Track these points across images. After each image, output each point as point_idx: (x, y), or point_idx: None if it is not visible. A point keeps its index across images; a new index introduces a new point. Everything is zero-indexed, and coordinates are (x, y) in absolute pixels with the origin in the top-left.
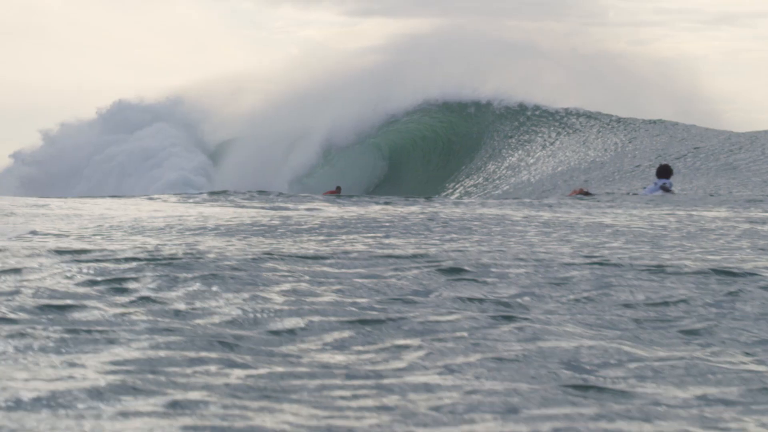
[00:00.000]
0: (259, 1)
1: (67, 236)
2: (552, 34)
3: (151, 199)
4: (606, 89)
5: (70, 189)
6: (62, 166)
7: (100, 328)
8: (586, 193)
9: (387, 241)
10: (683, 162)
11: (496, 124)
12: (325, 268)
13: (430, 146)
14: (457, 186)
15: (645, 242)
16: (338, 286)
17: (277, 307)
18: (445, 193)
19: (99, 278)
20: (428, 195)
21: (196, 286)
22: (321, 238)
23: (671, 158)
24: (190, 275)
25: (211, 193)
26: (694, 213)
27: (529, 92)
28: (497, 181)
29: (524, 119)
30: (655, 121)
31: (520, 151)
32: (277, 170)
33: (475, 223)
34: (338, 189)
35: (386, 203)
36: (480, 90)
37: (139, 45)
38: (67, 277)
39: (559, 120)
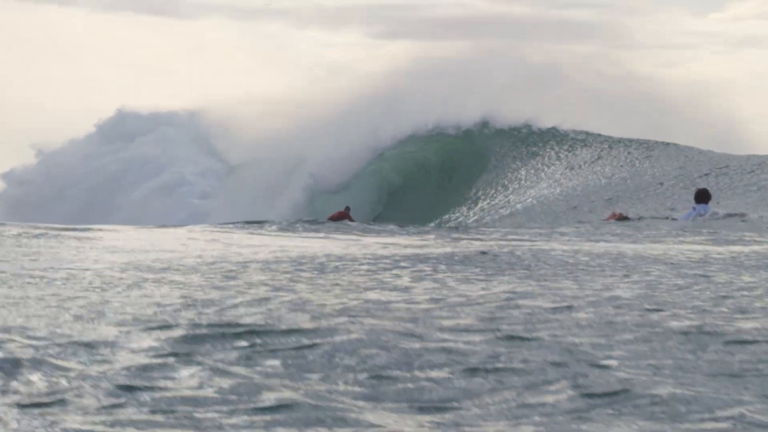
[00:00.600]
0: (285, 23)
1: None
2: (577, 56)
3: (190, 230)
4: (631, 112)
5: (60, 208)
6: (53, 185)
7: None
8: (623, 218)
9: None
10: (705, 181)
11: (517, 147)
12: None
13: (446, 169)
14: (477, 210)
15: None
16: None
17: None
18: (471, 218)
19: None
20: (458, 222)
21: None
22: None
23: (698, 178)
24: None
25: (248, 222)
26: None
27: (552, 115)
28: (520, 204)
29: (547, 142)
30: (677, 145)
31: (543, 174)
32: (286, 192)
33: (545, 262)
34: (347, 209)
35: (434, 235)
36: (501, 113)
37: (164, 67)
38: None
39: (582, 142)
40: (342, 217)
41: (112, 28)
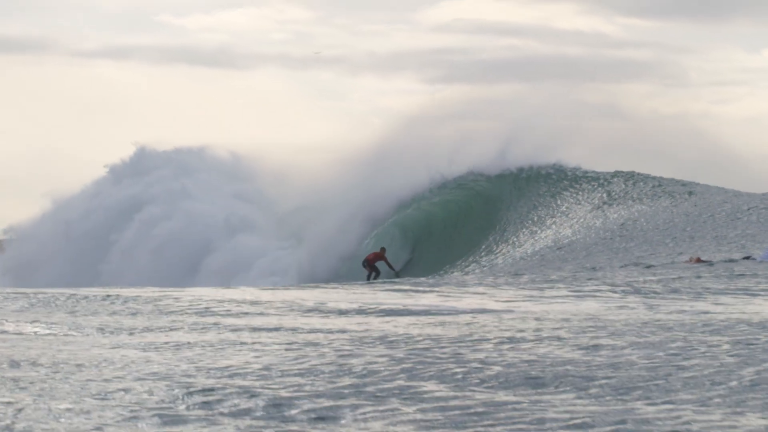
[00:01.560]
0: (338, 71)
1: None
2: (633, 95)
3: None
4: (686, 152)
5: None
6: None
7: None
8: (700, 261)
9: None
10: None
11: (570, 190)
12: None
13: (503, 212)
14: (531, 253)
15: None
16: None
17: None
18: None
19: None
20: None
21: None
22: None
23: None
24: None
25: (303, 286)
26: None
27: (608, 156)
28: (580, 245)
29: (600, 185)
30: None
31: (602, 217)
32: (334, 238)
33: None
34: (383, 250)
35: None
36: (552, 154)
37: (218, 116)
38: None
39: (644, 185)
40: (378, 258)
41: (167, 81)
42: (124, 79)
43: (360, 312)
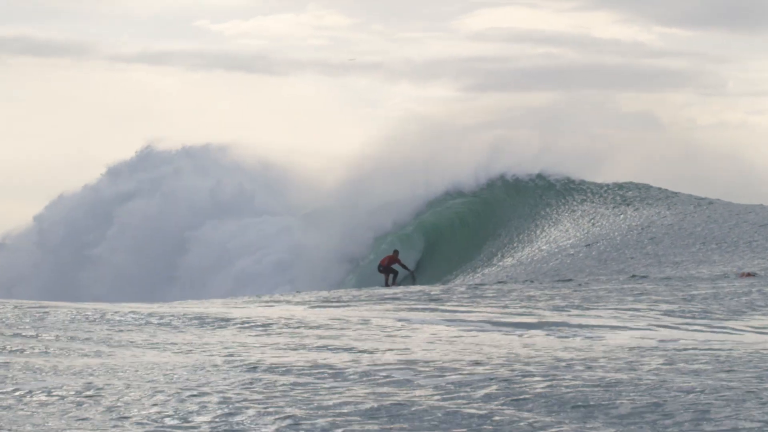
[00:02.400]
0: (375, 78)
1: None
2: (670, 105)
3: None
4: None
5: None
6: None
7: None
8: (750, 275)
9: None
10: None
11: (602, 202)
12: None
13: (539, 223)
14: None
15: None
16: None
17: None
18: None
19: None
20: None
21: None
22: None
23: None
24: None
25: (325, 300)
26: None
27: (643, 169)
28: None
29: (633, 198)
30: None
31: (634, 231)
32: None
33: None
34: (396, 253)
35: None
36: (588, 166)
37: (254, 122)
38: None
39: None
40: (392, 261)
41: (204, 87)
42: (161, 85)
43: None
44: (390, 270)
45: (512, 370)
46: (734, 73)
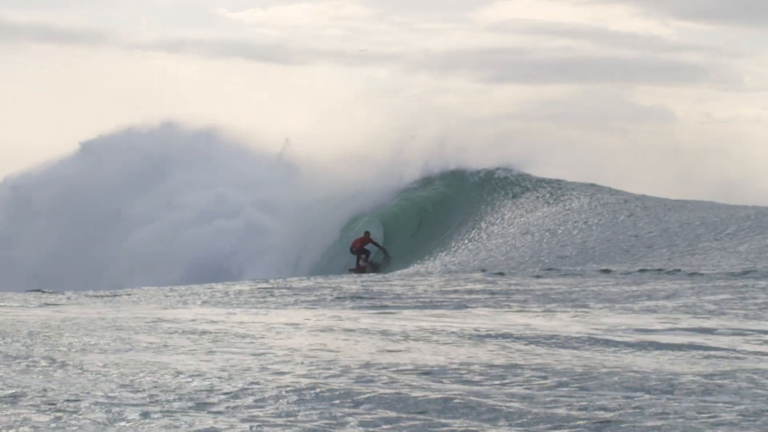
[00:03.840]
0: (393, 69)
1: None
2: (686, 99)
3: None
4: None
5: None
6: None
7: None
8: None
9: None
10: None
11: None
12: None
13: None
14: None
15: None
16: None
17: None
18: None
19: None
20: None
21: None
22: None
23: None
24: None
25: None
26: None
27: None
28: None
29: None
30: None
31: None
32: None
33: None
34: (366, 234)
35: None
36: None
37: (272, 113)
38: None
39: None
40: (364, 242)
41: (221, 75)
42: (179, 72)
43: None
44: (362, 251)
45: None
46: (750, 67)
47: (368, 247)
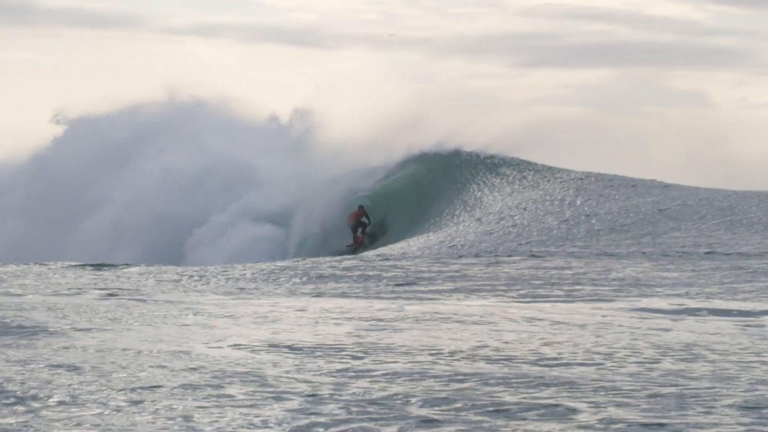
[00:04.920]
0: (427, 53)
1: None
2: (722, 83)
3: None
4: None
5: None
6: None
7: None
8: None
9: None
10: None
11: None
12: None
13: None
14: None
15: None
16: None
17: None
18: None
19: None
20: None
21: None
22: None
23: None
24: None
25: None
26: None
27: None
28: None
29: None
30: None
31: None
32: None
33: None
34: (360, 208)
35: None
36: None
37: (302, 98)
38: None
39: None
40: (359, 216)
41: (255, 59)
42: (212, 57)
43: None
44: (360, 223)
45: None
46: None
47: (364, 219)
